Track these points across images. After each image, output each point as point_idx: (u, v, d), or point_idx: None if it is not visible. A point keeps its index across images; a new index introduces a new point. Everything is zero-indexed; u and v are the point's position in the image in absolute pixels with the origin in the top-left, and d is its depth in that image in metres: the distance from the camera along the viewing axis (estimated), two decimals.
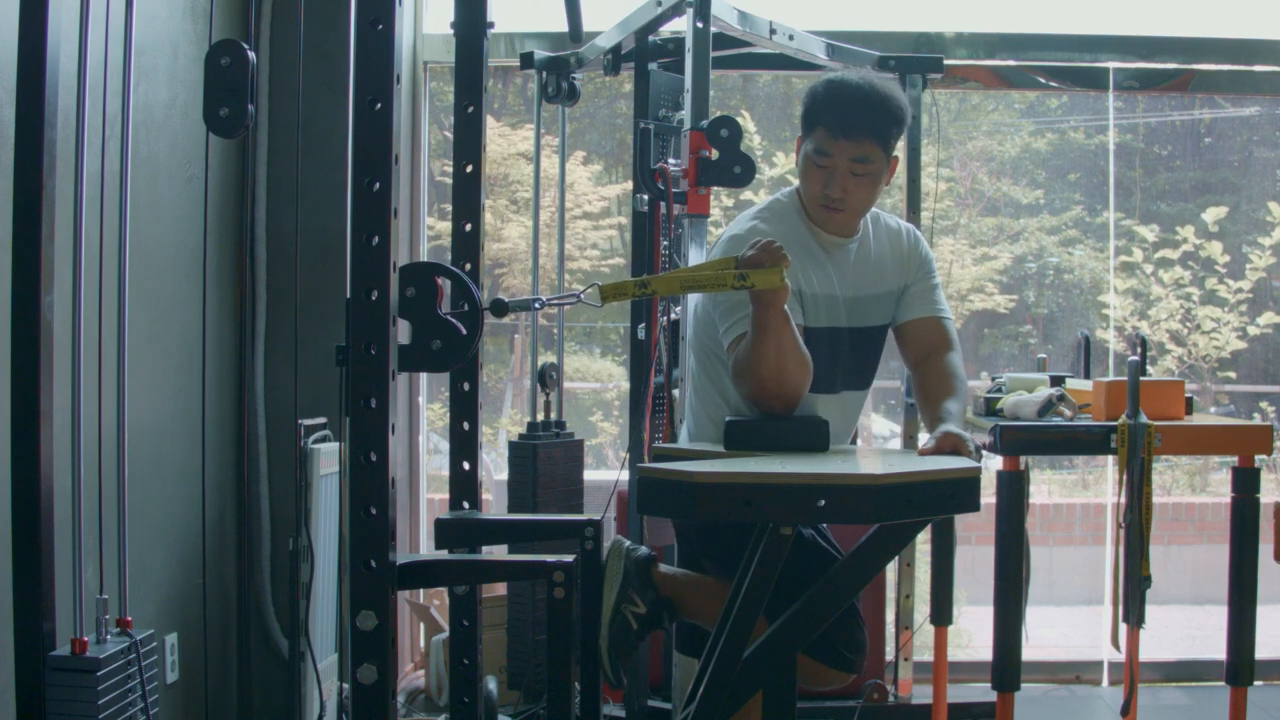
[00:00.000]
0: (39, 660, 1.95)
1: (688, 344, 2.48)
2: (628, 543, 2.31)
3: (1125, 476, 2.42)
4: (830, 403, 2.35)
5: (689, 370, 2.49)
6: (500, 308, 1.91)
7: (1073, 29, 3.88)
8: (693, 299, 2.50)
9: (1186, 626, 4.69)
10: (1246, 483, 2.49)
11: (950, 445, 2.12)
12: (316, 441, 2.94)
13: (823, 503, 1.81)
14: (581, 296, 2.01)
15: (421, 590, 3.77)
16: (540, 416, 3.46)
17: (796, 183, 2.43)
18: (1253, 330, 4.75)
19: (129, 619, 2.19)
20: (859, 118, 2.28)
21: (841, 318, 2.37)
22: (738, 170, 2.57)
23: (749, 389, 2.16)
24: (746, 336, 2.14)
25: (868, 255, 2.43)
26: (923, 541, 3.64)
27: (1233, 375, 4.83)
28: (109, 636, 2.12)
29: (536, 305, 2.02)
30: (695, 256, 2.68)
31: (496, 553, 2.71)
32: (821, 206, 2.34)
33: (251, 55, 1.81)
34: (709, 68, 2.71)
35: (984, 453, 2.58)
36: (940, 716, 3.13)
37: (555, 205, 3.79)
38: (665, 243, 2.95)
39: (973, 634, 4.46)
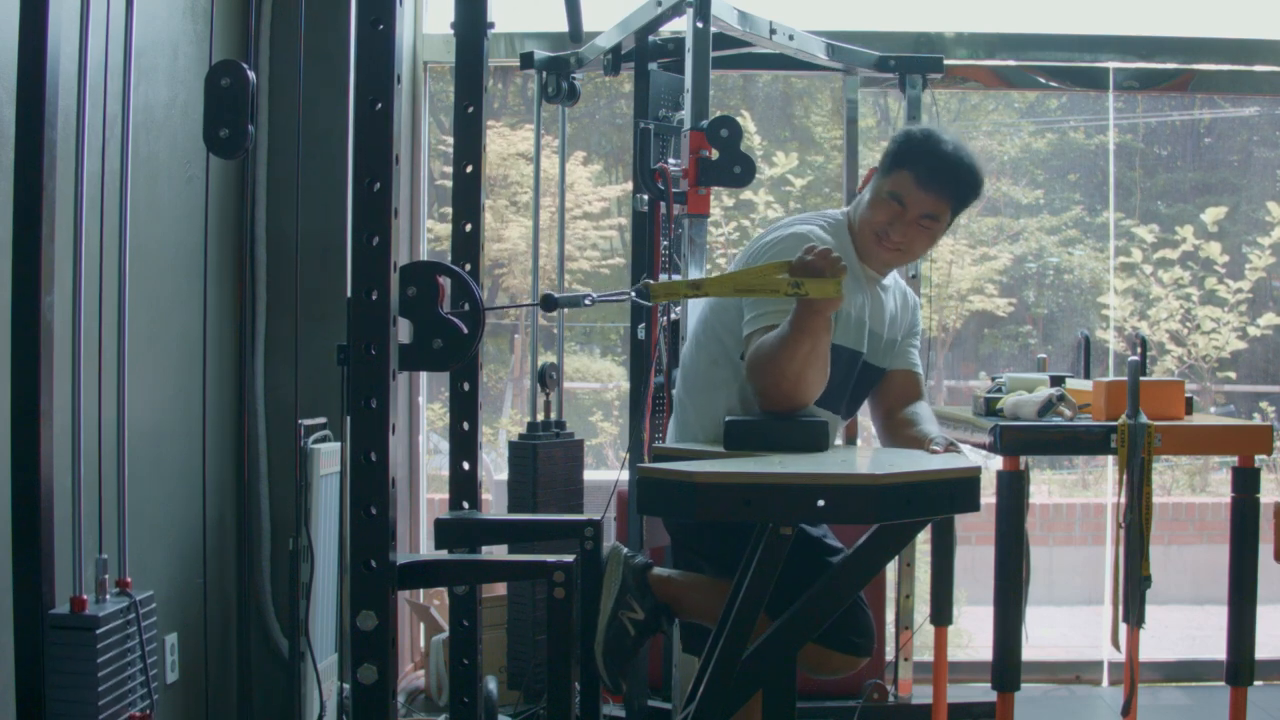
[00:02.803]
0: (38, 618, 1.94)
1: (695, 338, 2.46)
2: (625, 550, 2.32)
3: (1125, 476, 2.42)
4: (833, 423, 2.40)
5: (684, 367, 2.48)
6: (550, 303, 1.92)
7: (1073, 29, 3.88)
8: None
9: (1186, 626, 4.69)
10: (1246, 483, 2.49)
11: (949, 447, 2.21)
12: (316, 441, 2.94)
13: (822, 503, 1.81)
14: (632, 294, 2.01)
15: (421, 590, 3.77)
16: (540, 416, 3.46)
17: (844, 208, 2.49)
18: (1252, 330, 4.75)
19: (128, 580, 2.18)
20: (948, 179, 2.34)
21: (863, 345, 2.41)
22: (738, 170, 2.57)
23: (764, 383, 2.15)
24: (776, 330, 2.13)
25: (888, 301, 2.49)
26: (923, 541, 3.64)
27: (1233, 375, 4.83)
28: (108, 597, 2.12)
29: (587, 301, 2.03)
30: (695, 256, 2.68)
31: (496, 553, 2.71)
32: (876, 241, 2.38)
33: (251, 75, 1.81)
34: (709, 68, 2.71)
35: (985, 452, 2.59)
36: (940, 716, 3.13)
37: (555, 205, 3.79)
38: (665, 243, 2.95)
39: (973, 634, 4.46)
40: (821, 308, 2.06)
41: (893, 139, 2.42)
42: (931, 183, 2.34)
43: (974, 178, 2.38)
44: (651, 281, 2.02)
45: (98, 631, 2.00)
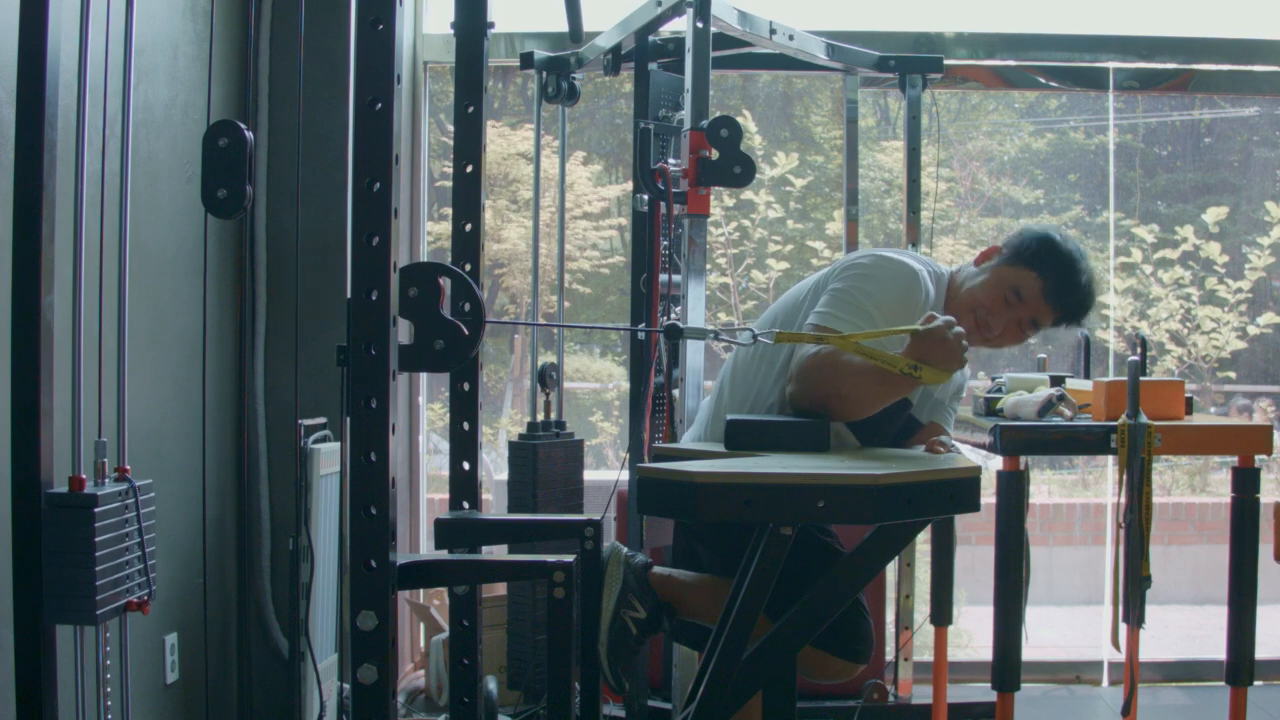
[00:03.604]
0: (35, 495, 1.93)
1: (761, 356, 2.36)
2: (625, 549, 2.32)
3: (1125, 476, 2.42)
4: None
5: (730, 371, 2.40)
6: (675, 333, 1.93)
7: (1073, 29, 3.88)
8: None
9: (1186, 626, 4.69)
10: (1246, 483, 2.49)
11: (934, 430, 2.30)
12: (316, 441, 2.94)
13: (823, 503, 1.81)
14: (757, 335, 2.03)
15: (421, 590, 3.77)
16: (540, 416, 3.46)
17: (953, 264, 2.48)
18: (1252, 330, 4.75)
19: (127, 467, 2.17)
20: (1073, 302, 2.38)
21: (915, 396, 2.39)
22: (738, 170, 2.57)
23: (816, 387, 2.13)
24: (864, 359, 2.07)
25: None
26: (923, 541, 3.64)
27: (1233, 375, 4.83)
28: (107, 480, 2.10)
29: (712, 336, 2.04)
30: (695, 256, 2.68)
31: (496, 553, 2.71)
32: (974, 321, 2.35)
33: (249, 135, 1.81)
34: (709, 68, 2.71)
35: (985, 452, 2.59)
36: (940, 716, 3.13)
37: (555, 205, 3.79)
38: (665, 243, 2.95)
39: (973, 634, 4.46)
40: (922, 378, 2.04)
41: (1032, 237, 2.38)
42: (1056, 297, 2.35)
43: (1089, 308, 2.42)
44: (779, 330, 2.04)
45: (96, 510, 1.98)
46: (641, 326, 2.99)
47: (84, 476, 2.03)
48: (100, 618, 2.00)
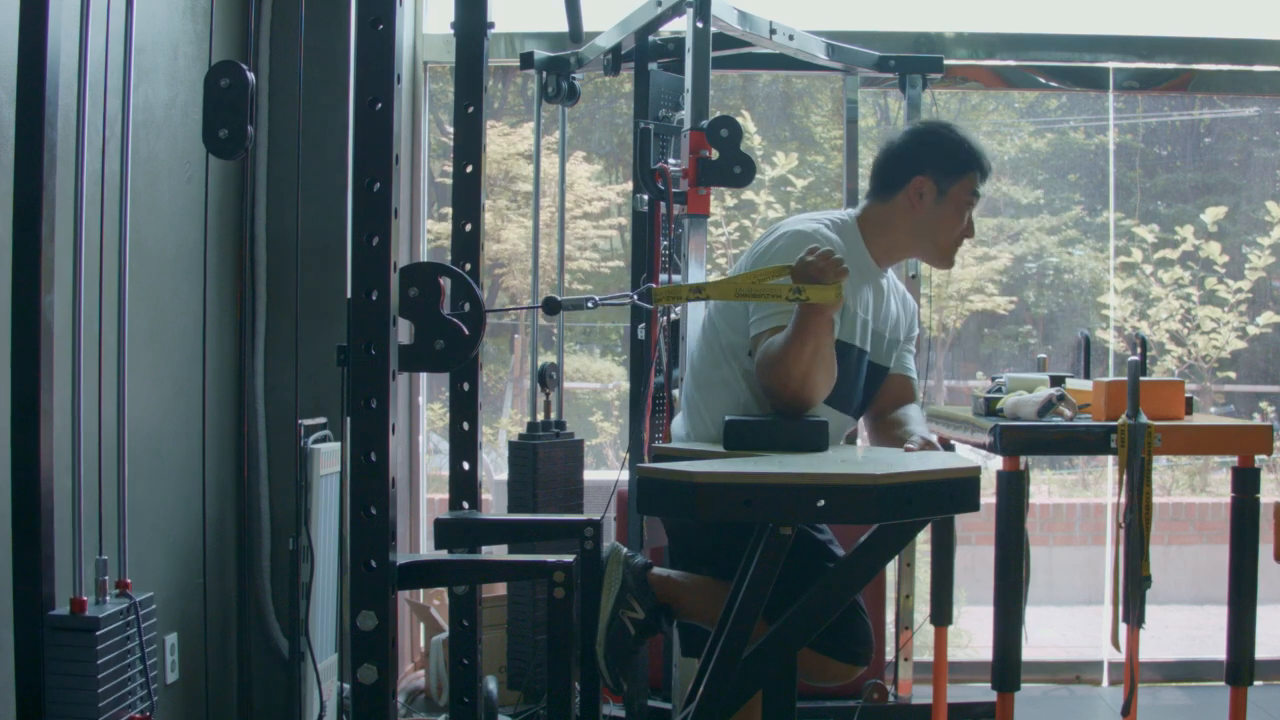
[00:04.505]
0: (38, 619, 1.94)
1: (701, 335, 2.47)
2: (625, 549, 2.32)
3: (1125, 476, 2.42)
4: (843, 422, 2.43)
5: (692, 364, 2.49)
6: (553, 306, 1.93)
7: (1073, 29, 3.88)
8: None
9: (1186, 626, 4.69)
10: (1246, 483, 2.48)
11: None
12: (316, 441, 2.94)
13: (823, 503, 1.81)
14: (634, 297, 2.03)
15: (421, 590, 3.77)
16: (540, 416, 3.46)
17: (846, 209, 2.56)
18: (1252, 330, 4.75)
19: (128, 581, 2.19)
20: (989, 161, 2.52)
21: (867, 342, 2.43)
22: (738, 170, 2.57)
23: (772, 383, 2.17)
24: (783, 332, 2.15)
25: (890, 300, 2.52)
26: (923, 541, 3.64)
27: (1233, 375, 4.83)
28: (108, 598, 2.12)
29: (589, 304, 2.04)
30: (695, 256, 2.68)
31: (496, 553, 2.71)
32: (955, 246, 2.48)
33: (250, 76, 1.81)
34: (709, 68, 2.71)
35: (985, 452, 2.59)
36: (940, 716, 3.13)
37: (555, 205, 3.79)
38: (665, 243, 2.95)
39: (973, 634, 4.46)
40: (822, 309, 2.07)
41: (938, 136, 2.47)
42: (987, 172, 2.49)
43: None
44: (654, 285, 2.04)
45: (98, 633, 2.00)
46: (656, 331, 3.00)
47: (85, 598, 2.04)
48: None
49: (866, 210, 2.49)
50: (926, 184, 2.43)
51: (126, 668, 2.09)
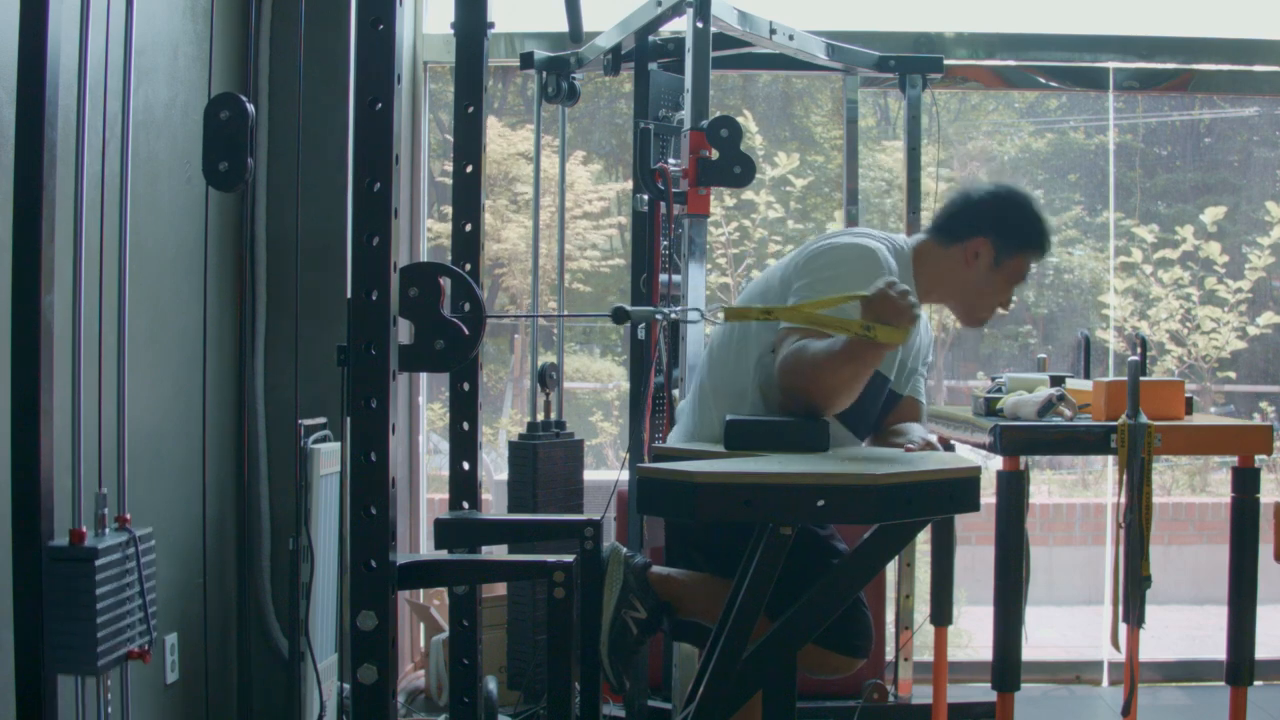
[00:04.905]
0: (36, 549, 1.93)
1: (730, 340, 2.41)
2: (625, 549, 2.32)
3: (1125, 476, 2.42)
4: (851, 443, 2.42)
5: (713, 363, 2.43)
6: (622, 315, 1.93)
7: (1073, 29, 3.88)
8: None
9: (1186, 626, 4.70)
10: (1246, 483, 2.48)
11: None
12: (316, 441, 2.94)
13: (823, 503, 1.81)
14: (703, 313, 2.03)
15: (421, 590, 3.77)
16: (540, 416, 3.46)
17: (904, 236, 2.53)
18: (1252, 330, 4.75)
19: (127, 516, 2.18)
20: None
21: (891, 372, 2.43)
22: (738, 170, 2.57)
23: (795, 385, 2.14)
24: (827, 342, 2.09)
25: (916, 330, 2.49)
26: (923, 541, 3.64)
27: (1232, 375, 4.83)
28: (107, 530, 2.11)
29: (659, 317, 2.04)
30: (695, 256, 2.68)
31: (496, 553, 2.71)
32: (996, 308, 2.50)
33: (250, 109, 1.81)
34: (709, 68, 2.71)
35: (985, 452, 2.59)
36: (940, 716, 3.13)
37: (555, 205, 3.79)
38: (665, 243, 2.95)
39: (973, 634, 4.46)
40: (881, 346, 2.04)
41: (1015, 208, 2.47)
42: (1046, 254, 2.52)
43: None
44: (727, 305, 2.04)
45: (96, 563, 1.98)
46: (654, 331, 2.98)
47: (84, 529, 2.04)
48: (101, 668, 2.01)
49: (922, 245, 2.48)
50: (985, 247, 2.43)
51: (125, 600, 2.08)
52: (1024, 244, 2.45)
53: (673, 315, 2.10)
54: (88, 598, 1.97)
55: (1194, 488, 5.33)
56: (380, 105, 1.58)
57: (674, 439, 2.50)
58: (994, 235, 2.43)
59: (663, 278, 2.99)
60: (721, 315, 2.06)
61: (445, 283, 1.66)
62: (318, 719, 2.76)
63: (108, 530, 2.11)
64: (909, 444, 2.24)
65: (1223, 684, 2.52)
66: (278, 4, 3.34)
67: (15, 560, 1.95)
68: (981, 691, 3.16)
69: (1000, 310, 2.51)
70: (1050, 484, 5.46)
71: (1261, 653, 2.56)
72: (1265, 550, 2.58)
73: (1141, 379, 2.44)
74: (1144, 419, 2.41)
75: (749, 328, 2.37)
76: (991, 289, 2.47)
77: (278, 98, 3.34)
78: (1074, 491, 5.42)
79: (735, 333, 2.40)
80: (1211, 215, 4.72)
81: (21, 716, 1.92)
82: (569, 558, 1.85)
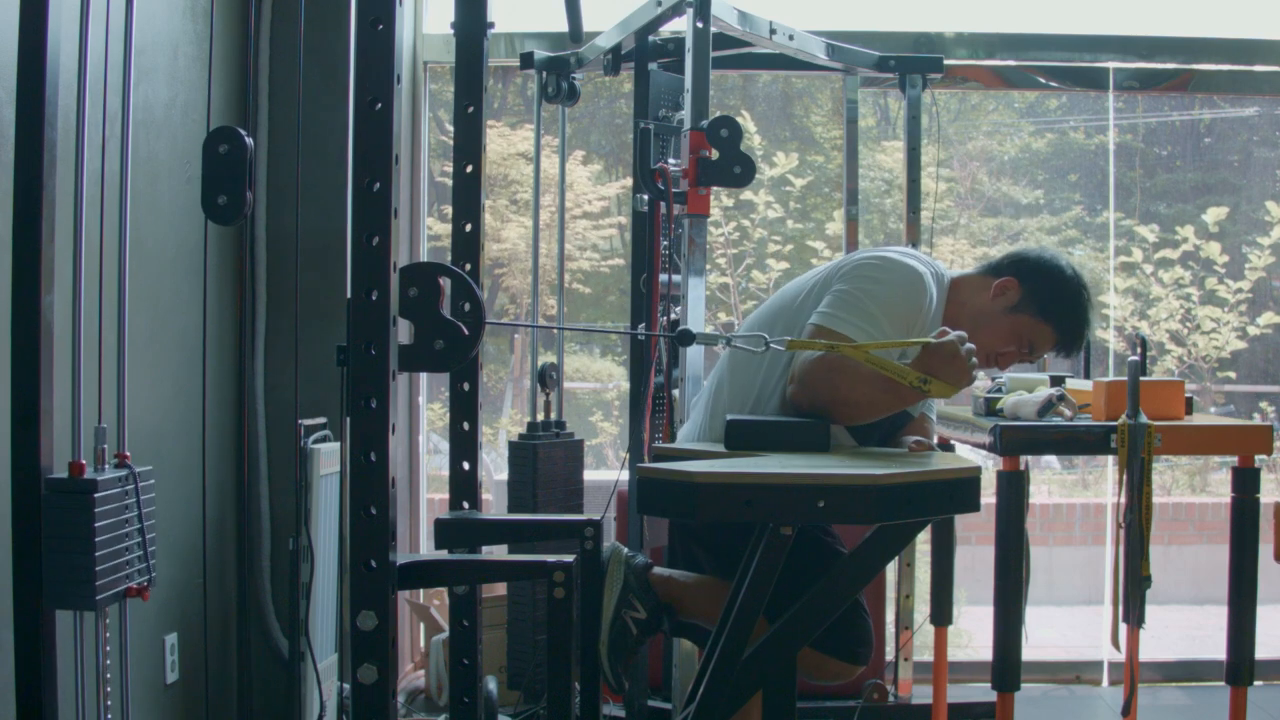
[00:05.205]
0: (35, 481, 1.92)
1: (754, 317, 2.41)
2: (626, 550, 2.32)
3: (1125, 476, 2.42)
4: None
5: (735, 365, 2.40)
6: (687, 338, 1.93)
7: (1073, 29, 3.88)
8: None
9: (1186, 626, 4.69)
10: (1246, 483, 2.48)
11: (922, 424, 2.40)
12: (316, 441, 2.94)
13: (823, 503, 1.81)
14: (770, 343, 2.03)
15: (421, 590, 3.77)
16: (540, 416, 3.46)
17: (947, 267, 2.47)
18: (1252, 330, 4.75)
19: (127, 454, 2.17)
20: (1076, 349, 2.46)
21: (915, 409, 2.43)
22: (738, 170, 2.57)
23: (819, 389, 2.13)
24: (874, 368, 2.08)
25: None
26: (923, 541, 3.64)
27: (1232, 375, 4.83)
28: (107, 466, 2.10)
29: (722, 345, 2.04)
30: (695, 256, 2.68)
31: (496, 553, 2.71)
32: (984, 357, 2.38)
33: (249, 141, 1.81)
34: (709, 68, 2.71)
35: (985, 452, 2.59)
36: (940, 716, 3.13)
37: (555, 205, 3.79)
38: (665, 243, 2.95)
39: (973, 634, 4.46)
40: (930, 391, 2.06)
41: (1051, 286, 2.38)
42: (1065, 348, 2.42)
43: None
44: (790, 339, 2.05)
45: (95, 495, 1.98)
46: (656, 331, 2.98)
47: (84, 462, 2.03)
48: (100, 603, 2.00)
49: (964, 276, 2.46)
50: (1014, 289, 2.39)
51: (124, 536, 2.07)
52: (1047, 312, 2.37)
53: (736, 342, 2.09)
54: (86, 530, 1.96)
55: (1194, 488, 5.33)
56: (380, 105, 1.58)
57: (683, 436, 2.50)
58: (1028, 286, 2.38)
59: (662, 278, 2.99)
60: (785, 345, 2.05)
61: (445, 283, 1.66)
62: (318, 719, 2.76)
63: (107, 466, 2.10)
64: (911, 442, 2.25)
65: (1223, 684, 2.52)
66: (278, 4, 3.34)
67: (14, 491, 1.94)
68: (981, 691, 3.16)
69: (985, 365, 2.40)
70: (1050, 484, 5.46)
71: (1261, 653, 2.56)
72: (1265, 550, 2.58)
73: (1141, 379, 2.43)
74: (1144, 419, 2.41)
75: (769, 314, 2.37)
76: (994, 327, 2.39)
77: (278, 98, 3.34)
78: (1074, 491, 5.42)
79: (760, 318, 2.40)
80: (1212, 215, 4.72)
81: (20, 652, 1.92)
82: (569, 558, 1.85)
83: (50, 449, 1.96)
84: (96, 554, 1.98)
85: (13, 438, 1.94)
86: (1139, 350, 2.86)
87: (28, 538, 1.94)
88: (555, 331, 3.72)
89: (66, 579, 1.96)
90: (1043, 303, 2.38)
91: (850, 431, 2.30)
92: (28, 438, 1.92)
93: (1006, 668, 2.46)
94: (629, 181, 4.12)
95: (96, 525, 1.98)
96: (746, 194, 4.90)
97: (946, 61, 3.56)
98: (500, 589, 3.49)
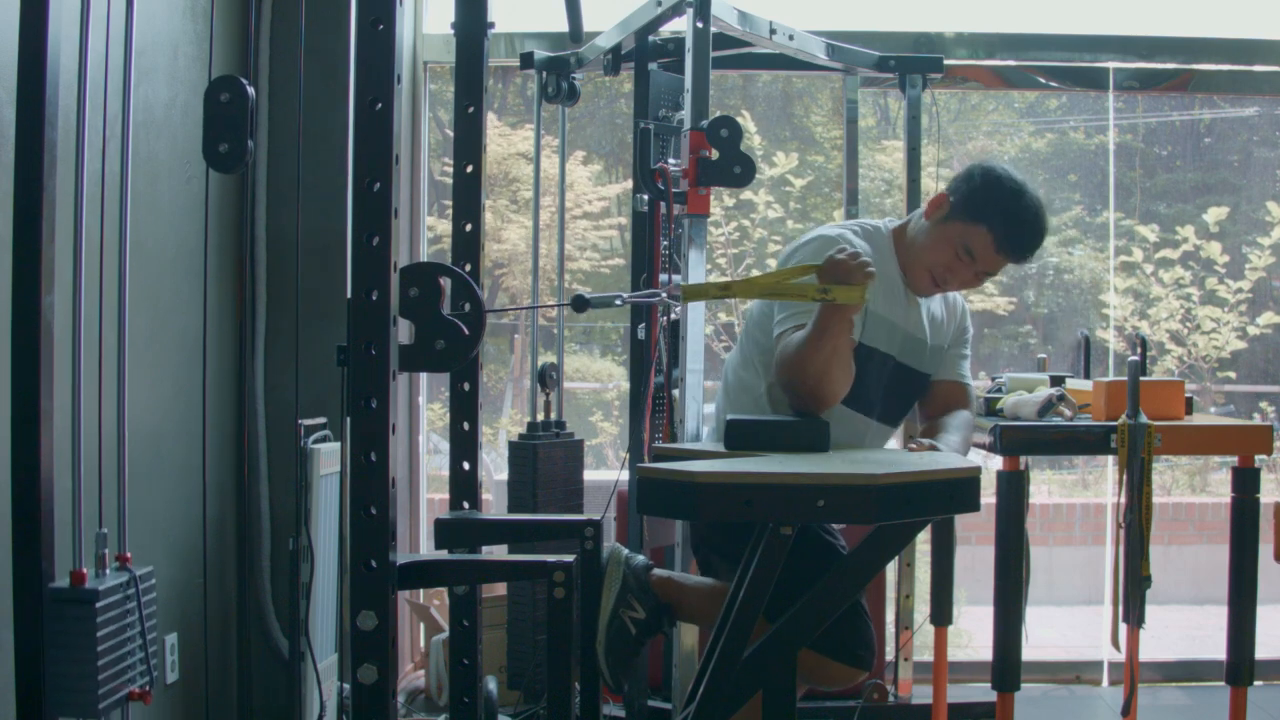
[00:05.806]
0: (37, 591, 1.93)
1: (738, 337, 2.49)
2: (625, 550, 2.32)
3: (1125, 476, 2.42)
4: (864, 425, 2.43)
5: (727, 363, 2.52)
6: (581, 304, 1.94)
7: (1073, 29, 3.88)
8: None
9: (1186, 626, 4.69)
10: (1246, 483, 2.49)
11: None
12: (316, 441, 2.94)
13: (823, 503, 1.81)
14: (664, 295, 2.05)
15: (421, 590, 3.77)
16: (540, 416, 3.46)
17: (889, 218, 2.52)
18: (1252, 330, 4.75)
19: (128, 555, 2.18)
20: (1027, 246, 2.37)
21: (894, 347, 2.44)
22: (738, 170, 2.57)
23: (789, 380, 2.20)
24: (803, 330, 2.17)
25: (930, 305, 2.52)
26: (923, 541, 3.64)
27: (1232, 375, 4.83)
28: (108, 571, 2.11)
29: (618, 302, 2.06)
30: (695, 256, 2.68)
31: (496, 553, 2.71)
32: (930, 279, 2.41)
33: (250, 91, 1.82)
34: (709, 68, 2.71)
35: (985, 452, 2.59)
36: (940, 716, 3.13)
37: (555, 205, 3.79)
38: (665, 243, 2.95)
39: (973, 634, 4.46)
40: (843, 309, 2.08)
41: (975, 178, 2.39)
42: (1009, 247, 2.36)
43: (1043, 240, 2.40)
44: (684, 284, 2.06)
45: (98, 605, 1.99)
46: (553, 304, 3.01)
47: (85, 570, 2.04)
48: (103, 710, 2.01)
49: (911, 216, 2.51)
50: (943, 202, 2.41)
51: (126, 641, 2.08)
52: (977, 213, 2.35)
53: (633, 299, 2.11)
54: (89, 640, 1.98)
55: (1194, 488, 5.33)
56: (380, 105, 1.58)
57: (707, 439, 2.52)
58: (957, 195, 2.40)
59: (662, 278, 2.99)
60: (680, 293, 2.08)
61: (445, 283, 1.66)
62: (318, 719, 2.76)
63: (108, 570, 2.12)
64: (911, 445, 2.26)
65: (1223, 684, 2.52)
66: (278, 4, 3.34)
67: (16, 601, 1.95)
68: (981, 691, 3.16)
69: (939, 279, 2.40)
70: (1050, 484, 5.46)
71: (1261, 653, 2.56)
72: (1265, 550, 2.58)
73: (1141, 379, 2.44)
74: (1144, 419, 2.42)
75: (745, 327, 2.41)
76: (932, 244, 2.40)
77: (278, 98, 3.34)
78: (1074, 491, 5.42)
79: (741, 332, 2.47)
80: (1212, 215, 4.72)
81: None
82: (569, 558, 1.85)
83: (51, 552, 1.97)
84: (99, 662, 1.99)
85: (13, 438, 1.94)
86: (1139, 350, 2.87)
87: (30, 646, 1.94)
88: (555, 332, 3.72)
89: (69, 687, 1.97)
90: (972, 206, 2.36)
91: (851, 405, 2.30)
92: (29, 538, 1.92)
93: (1006, 668, 2.46)
94: (629, 182, 4.12)
95: (99, 634, 1.99)
96: (747, 194, 4.91)
97: (946, 61, 3.56)
98: (500, 589, 3.49)
